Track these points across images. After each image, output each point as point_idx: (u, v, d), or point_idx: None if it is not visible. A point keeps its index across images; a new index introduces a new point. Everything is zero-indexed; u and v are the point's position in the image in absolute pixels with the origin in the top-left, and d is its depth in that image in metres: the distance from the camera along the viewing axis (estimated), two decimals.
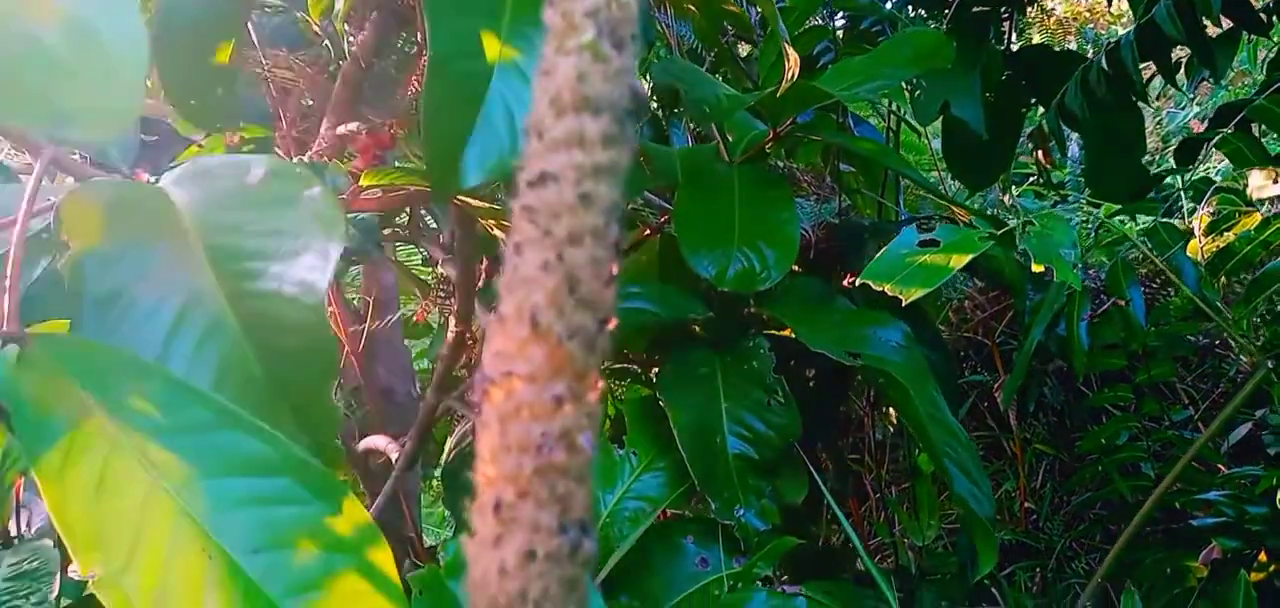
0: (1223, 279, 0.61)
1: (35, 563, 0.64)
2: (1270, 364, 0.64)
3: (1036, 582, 1.84)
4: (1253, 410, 1.82)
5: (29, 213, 0.49)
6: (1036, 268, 0.55)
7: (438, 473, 1.68)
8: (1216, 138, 0.87)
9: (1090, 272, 1.51)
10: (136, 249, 0.49)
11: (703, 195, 1.04)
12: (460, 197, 0.71)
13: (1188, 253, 0.63)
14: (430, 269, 1.75)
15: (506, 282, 0.26)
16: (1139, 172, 1.28)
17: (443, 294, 1.40)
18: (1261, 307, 0.62)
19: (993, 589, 1.74)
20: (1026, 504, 1.97)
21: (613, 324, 0.26)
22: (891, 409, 1.53)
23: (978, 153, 1.27)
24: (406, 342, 1.90)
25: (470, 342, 1.67)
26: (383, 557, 0.44)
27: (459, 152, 0.55)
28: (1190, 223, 0.86)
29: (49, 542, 0.67)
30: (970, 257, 0.53)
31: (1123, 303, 0.88)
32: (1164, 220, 0.92)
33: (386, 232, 1.50)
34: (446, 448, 1.42)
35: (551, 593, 0.24)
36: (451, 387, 1.21)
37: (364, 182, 0.67)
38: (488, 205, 0.69)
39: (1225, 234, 0.58)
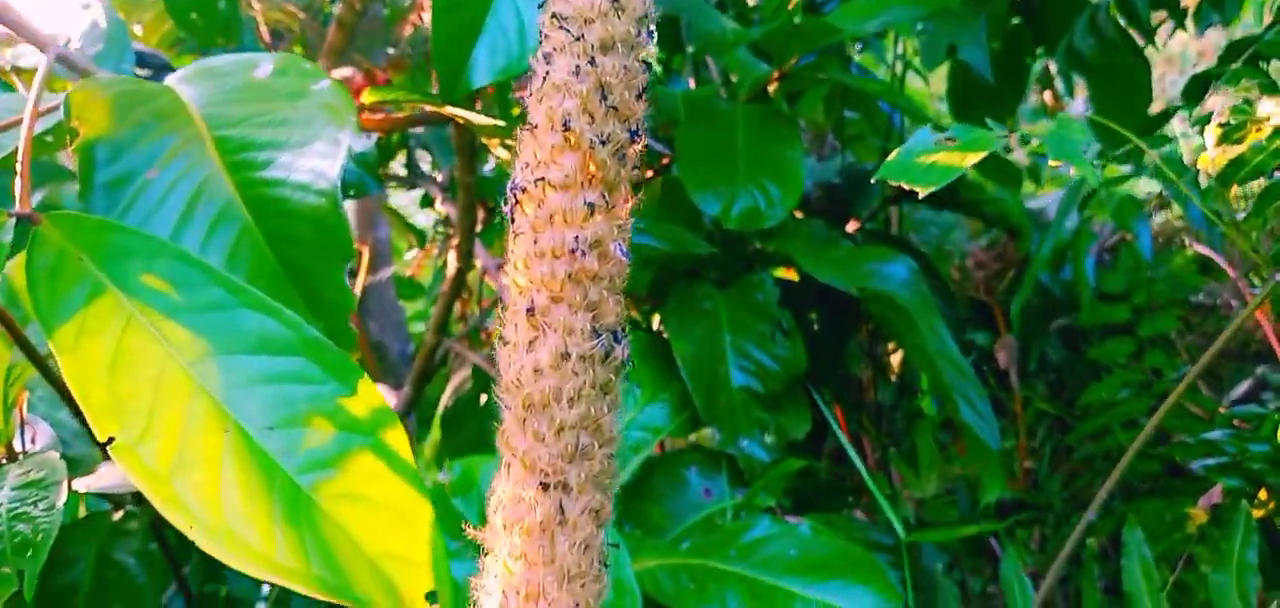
0: (1235, 188, 0.61)
1: (42, 473, 0.64)
2: (1277, 277, 0.63)
3: (1036, 539, 1.85)
4: (1253, 367, 1.83)
5: (38, 102, 0.49)
6: (1054, 166, 0.55)
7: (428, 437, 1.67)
8: (1225, 74, 0.87)
9: (1095, 225, 1.51)
10: (146, 138, 0.49)
11: (706, 133, 1.03)
12: (464, 117, 0.71)
13: (1198, 165, 0.63)
14: (426, 219, 1.74)
15: (536, 91, 0.25)
16: (1146, 120, 1.28)
17: (442, 235, 1.39)
18: (1271, 218, 0.61)
19: (992, 541, 1.75)
20: (1026, 463, 1.98)
21: (643, 143, 0.26)
22: (893, 359, 1.53)
23: (984, 98, 1.26)
24: (400, 302, 1.89)
25: (467, 294, 1.67)
26: (398, 439, 0.44)
27: (468, 49, 0.55)
28: (1198, 157, 0.86)
29: (55, 454, 0.67)
30: (981, 154, 0.52)
31: (1129, 236, 0.88)
32: (1170, 154, 0.91)
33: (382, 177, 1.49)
34: (444, 393, 1.42)
35: (586, 393, 0.24)
36: (451, 331, 1.21)
37: (366, 99, 0.67)
38: (491, 123, 0.69)
39: (1237, 146, 0.58)
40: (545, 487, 0.24)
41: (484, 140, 0.74)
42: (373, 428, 0.43)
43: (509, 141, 0.75)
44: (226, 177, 0.48)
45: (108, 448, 0.39)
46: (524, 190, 0.25)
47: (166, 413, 0.40)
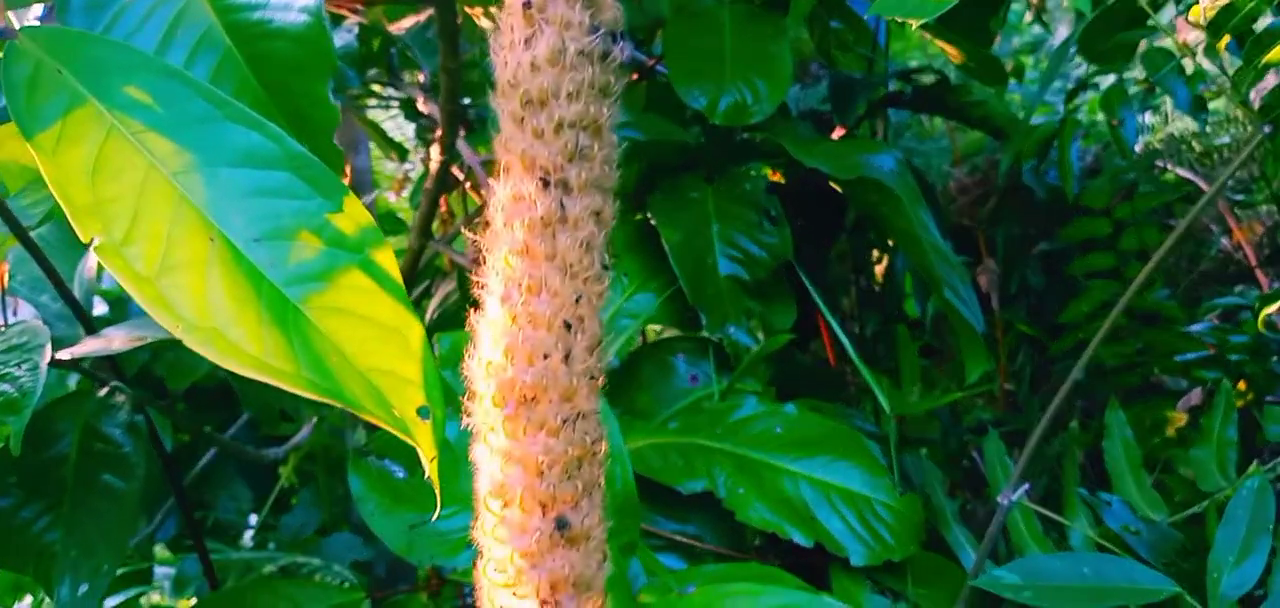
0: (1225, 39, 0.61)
1: (25, 338, 0.63)
2: (1268, 129, 0.63)
3: (1015, 460, 1.87)
4: (1232, 286, 1.85)
5: None
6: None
7: None
8: None
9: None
10: None
11: (693, 30, 1.02)
12: None
13: (1190, 17, 0.62)
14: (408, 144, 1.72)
15: None
16: (1135, 11, 1.27)
17: (425, 141, 1.37)
18: (1263, 69, 0.61)
19: (975, 453, 1.77)
20: (1006, 386, 2.00)
21: None
22: (877, 270, 1.53)
23: (968, 5, 1.25)
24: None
25: (449, 216, 1.65)
26: (386, 258, 0.43)
27: None
28: (1183, 39, 0.86)
29: (38, 321, 0.66)
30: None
31: (1115, 122, 0.88)
32: (1157, 46, 0.91)
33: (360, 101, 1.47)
34: (428, 308, 1.41)
35: (584, 91, 0.23)
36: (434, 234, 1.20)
37: None
38: None
39: None
40: (545, 184, 0.23)
41: (467, 10, 0.73)
42: (361, 246, 0.43)
43: (493, 11, 0.74)
44: (206, 3, 0.47)
45: (92, 248, 0.38)
46: None
47: (150, 219, 0.39)
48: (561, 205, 0.23)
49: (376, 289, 0.43)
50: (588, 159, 0.23)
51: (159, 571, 1.54)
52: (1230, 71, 0.64)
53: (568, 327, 0.23)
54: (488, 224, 0.25)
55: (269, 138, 0.42)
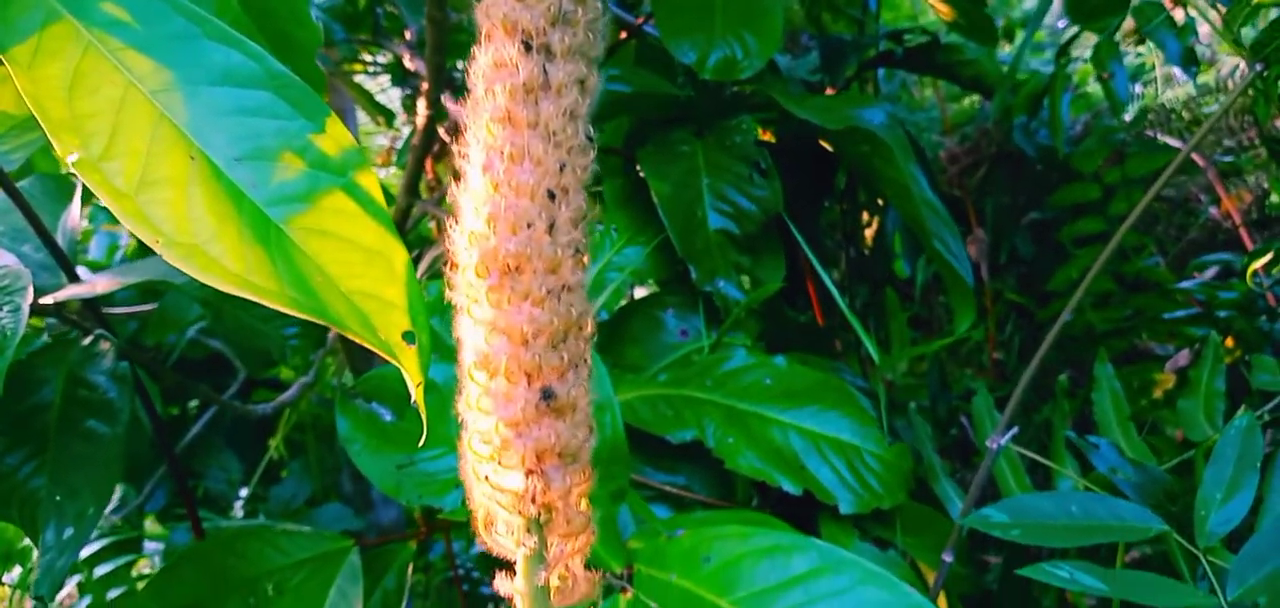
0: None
1: (6, 282, 0.62)
2: (1259, 68, 0.63)
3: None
4: (1221, 256, 1.85)
5: None
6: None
7: None
8: None
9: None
10: None
11: None
12: None
13: None
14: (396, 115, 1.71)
15: None
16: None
17: (412, 103, 1.36)
18: (1255, 9, 0.61)
19: (964, 420, 1.77)
20: (996, 355, 2.00)
21: None
22: (869, 232, 1.53)
23: None
24: None
25: (436, 181, 1.64)
26: (369, 181, 0.43)
27: None
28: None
29: (19, 264, 0.65)
30: None
31: (1106, 75, 0.88)
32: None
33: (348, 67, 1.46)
34: (417, 271, 1.40)
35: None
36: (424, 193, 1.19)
37: None
38: None
39: None
40: (527, 48, 0.23)
41: None
42: (344, 168, 0.42)
43: None
44: None
45: (71, 164, 0.38)
46: None
47: (129, 135, 0.39)
48: (544, 71, 0.23)
49: (360, 212, 0.42)
50: (571, 24, 0.23)
51: (149, 545, 1.53)
52: (1223, 45, 0.64)
53: (551, 196, 0.23)
54: (469, 92, 0.25)
55: (250, 57, 0.42)
